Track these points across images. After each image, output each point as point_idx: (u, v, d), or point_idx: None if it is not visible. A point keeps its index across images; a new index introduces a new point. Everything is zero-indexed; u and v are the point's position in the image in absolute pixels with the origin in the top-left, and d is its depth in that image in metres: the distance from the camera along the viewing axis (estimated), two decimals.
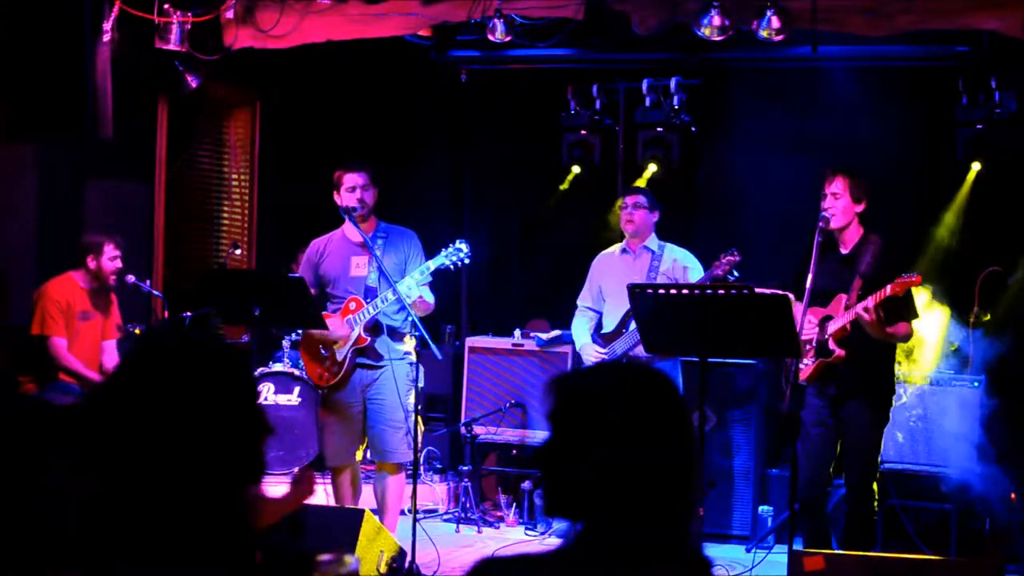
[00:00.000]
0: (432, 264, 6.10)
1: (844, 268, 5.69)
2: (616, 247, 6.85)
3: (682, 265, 6.65)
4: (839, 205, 5.64)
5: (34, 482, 2.40)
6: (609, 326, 6.72)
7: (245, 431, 1.90)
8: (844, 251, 5.72)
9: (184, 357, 1.90)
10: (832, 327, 5.63)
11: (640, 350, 6.46)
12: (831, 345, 5.63)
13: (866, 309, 5.39)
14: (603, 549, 1.89)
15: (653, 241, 6.74)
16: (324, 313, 6.20)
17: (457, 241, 6.17)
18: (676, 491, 1.92)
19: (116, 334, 7.14)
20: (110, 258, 6.90)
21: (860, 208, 5.70)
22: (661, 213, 6.80)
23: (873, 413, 5.66)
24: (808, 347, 5.68)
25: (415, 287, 6.03)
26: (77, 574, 1.89)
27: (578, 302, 6.92)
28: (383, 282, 6.15)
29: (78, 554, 1.90)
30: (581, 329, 6.84)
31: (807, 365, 5.72)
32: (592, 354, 6.64)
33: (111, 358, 7.07)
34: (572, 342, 7.33)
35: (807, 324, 5.64)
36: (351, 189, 6.15)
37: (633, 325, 6.57)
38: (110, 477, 1.85)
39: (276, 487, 5.60)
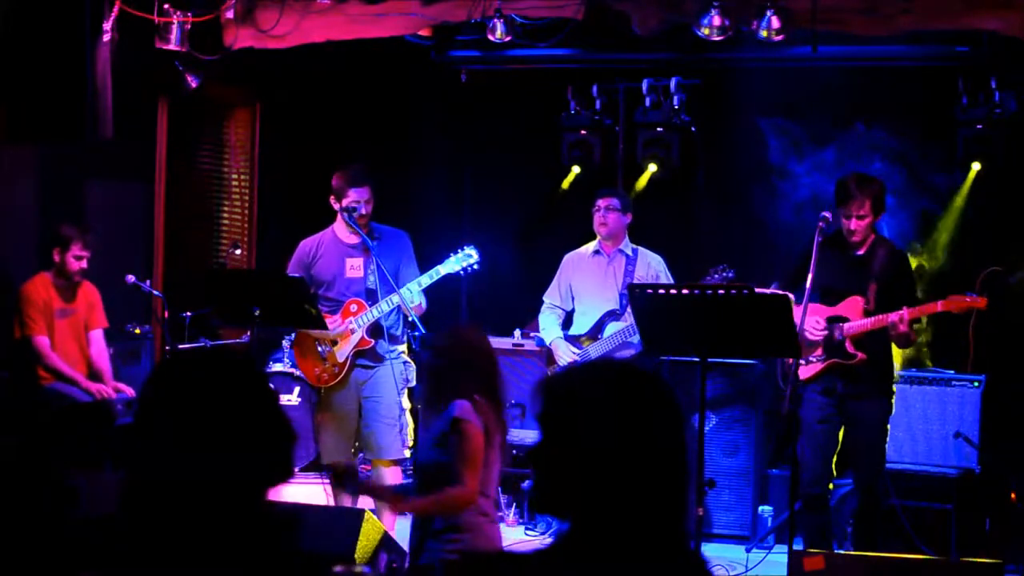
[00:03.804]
0: (442, 270, 6.17)
1: (858, 270, 5.69)
2: (587, 248, 6.89)
3: (655, 271, 6.70)
4: (864, 224, 5.66)
5: (59, 480, 2.43)
6: (582, 328, 6.76)
7: (270, 436, 1.95)
8: (858, 252, 5.73)
9: (209, 369, 1.96)
10: (850, 329, 5.63)
11: (617, 356, 6.50)
12: (849, 348, 5.64)
13: (901, 320, 5.43)
14: (591, 548, 1.89)
15: (627, 245, 6.79)
16: (324, 314, 6.20)
17: (466, 247, 6.25)
18: (667, 489, 1.92)
19: (102, 323, 7.03)
20: (75, 256, 6.75)
21: (879, 219, 5.75)
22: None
23: (882, 409, 5.71)
24: (816, 346, 5.69)
25: (418, 293, 6.08)
26: (93, 573, 1.92)
27: (545, 298, 6.95)
28: (382, 285, 6.17)
29: (97, 553, 1.93)
30: (551, 324, 6.87)
31: (812, 363, 5.72)
32: (567, 352, 6.66)
33: (99, 350, 6.99)
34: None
35: (814, 324, 5.66)
36: (355, 202, 6.18)
37: (609, 330, 6.61)
38: (140, 478, 1.89)
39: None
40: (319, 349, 6.22)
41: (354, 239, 6.26)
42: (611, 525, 1.88)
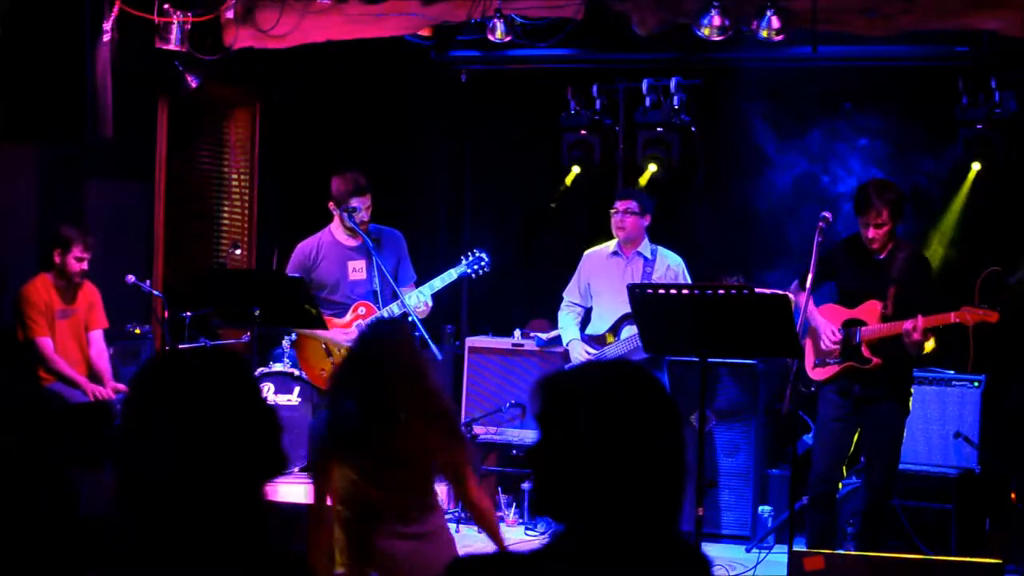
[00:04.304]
0: (455, 273, 6.30)
1: (878, 273, 5.69)
2: (607, 247, 6.84)
3: (674, 273, 6.67)
4: (882, 232, 5.65)
5: (59, 480, 2.43)
6: (599, 328, 6.73)
7: (258, 430, 1.95)
8: (879, 257, 5.72)
9: (196, 365, 1.96)
10: (866, 334, 5.63)
11: (633, 358, 6.48)
12: (865, 352, 5.64)
13: (915, 328, 5.42)
14: (585, 548, 1.88)
15: (646, 246, 6.74)
16: (328, 317, 6.22)
17: (476, 251, 6.43)
18: (663, 490, 1.92)
19: (102, 324, 7.03)
20: (76, 258, 6.75)
21: (896, 227, 5.73)
22: (657, 215, 6.80)
23: (898, 413, 5.72)
24: (832, 351, 5.69)
25: (428, 295, 6.18)
26: (94, 573, 1.93)
27: (565, 295, 6.92)
28: (386, 287, 6.21)
29: (98, 553, 1.94)
30: (569, 323, 6.84)
31: (829, 365, 5.72)
32: (582, 353, 6.64)
33: (98, 350, 6.99)
34: None
35: (830, 332, 5.66)
36: (356, 209, 6.23)
37: (626, 333, 6.59)
38: (134, 478, 1.89)
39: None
40: (326, 351, 6.25)
41: (353, 241, 6.29)
42: (609, 525, 1.88)
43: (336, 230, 6.34)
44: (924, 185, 7.78)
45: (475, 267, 6.40)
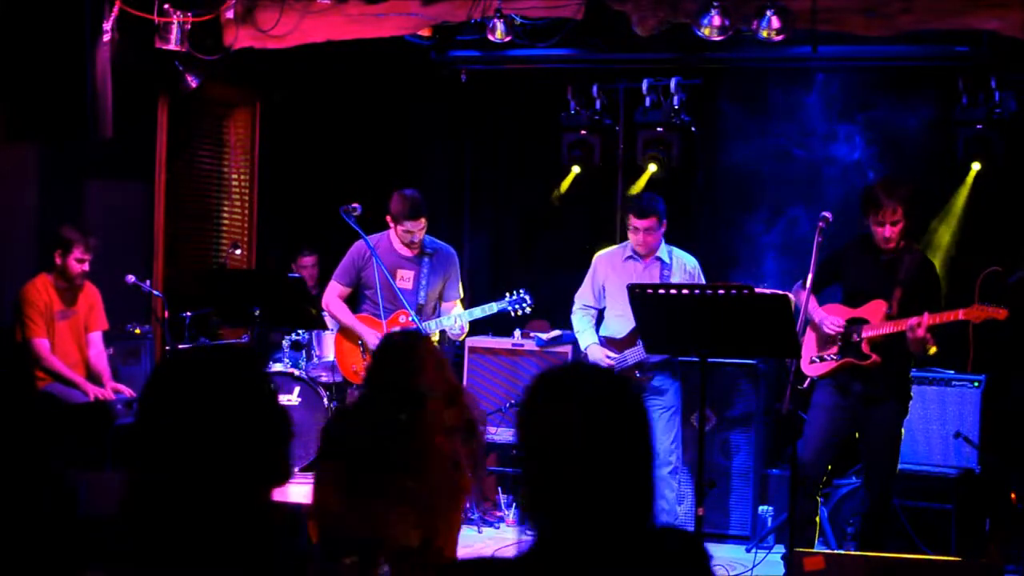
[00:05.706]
0: (495, 306, 6.54)
1: (885, 274, 5.69)
2: (623, 248, 6.69)
3: (690, 275, 6.56)
4: (898, 230, 5.63)
5: (59, 480, 2.43)
6: (618, 332, 6.57)
7: (269, 436, 1.96)
8: (884, 257, 5.72)
9: (211, 368, 1.97)
10: (870, 332, 5.63)
11: (651, 361, 6.48)
12: (865, 349, 5.64)
13: (919, 324, 5.41)
14: (565, 550, 1.90)
15: (663, 249, 6.60)
16: (366, 316, 6.48)
17: (522, 291, 6.62)
18: (629, 485, 1.94)
19: (101, 325, 7.02)
20: (76, 259, 6.73)
21: (910, 224, 5.72)
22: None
23: (899, 414, 5.72)
24: (832, 343, 5.70)
25: (467, 321, 6.47)
26: (100, 572, 1.93)
27: (577, 299, 6.79)
28: (429, 300, 6.47)
29: (98, 553, 1.94)
30: (585, 326, 6.70)
31: (826, 361, 5.73)
32: (603, 358, 6.51)
33: (97, 352, 6.98)
34: (573, 341, 7.28)
35: (834, 321, 5.67)
36: (409, 232, 6.41)
37: None
38: (142, 478, 1.89)
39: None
40: (361, 347, 6.43)
41: (407, 251, 6.49)
42: (582, 524, 1.90)
43: (394, 237, 6.52)
44: (924, 185, 7.78)
45: (516, 306, 6.60)
